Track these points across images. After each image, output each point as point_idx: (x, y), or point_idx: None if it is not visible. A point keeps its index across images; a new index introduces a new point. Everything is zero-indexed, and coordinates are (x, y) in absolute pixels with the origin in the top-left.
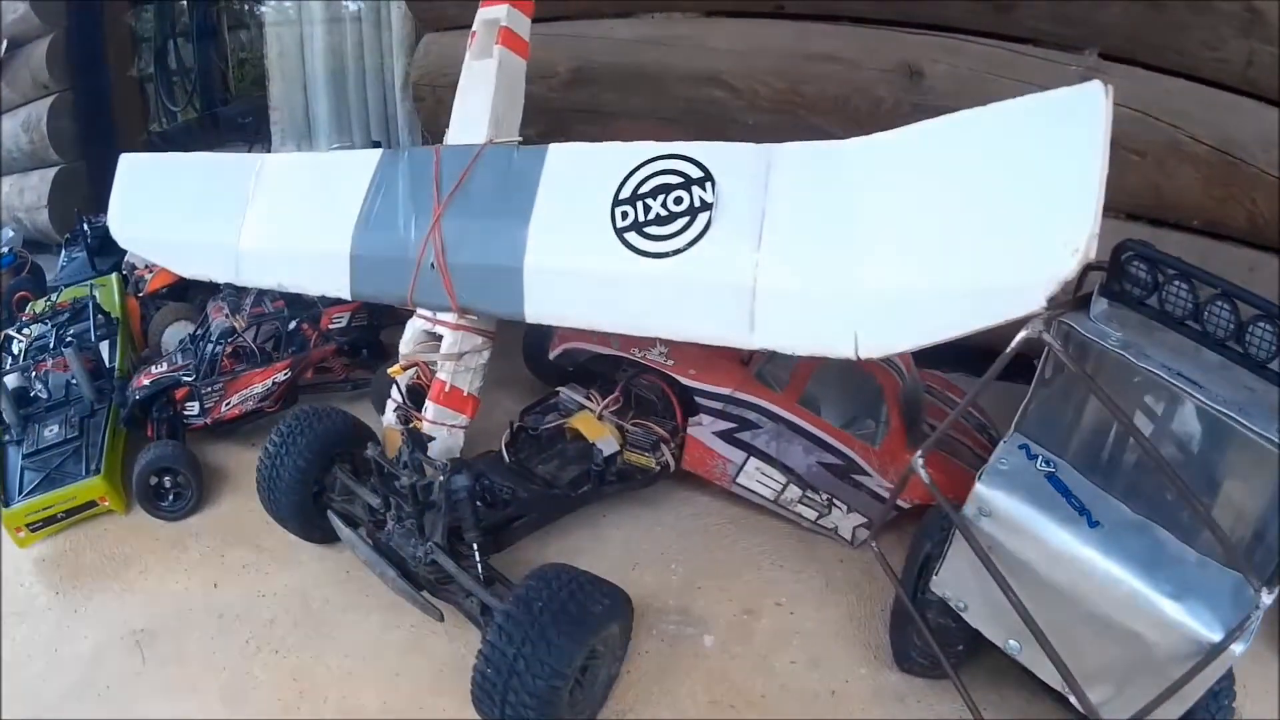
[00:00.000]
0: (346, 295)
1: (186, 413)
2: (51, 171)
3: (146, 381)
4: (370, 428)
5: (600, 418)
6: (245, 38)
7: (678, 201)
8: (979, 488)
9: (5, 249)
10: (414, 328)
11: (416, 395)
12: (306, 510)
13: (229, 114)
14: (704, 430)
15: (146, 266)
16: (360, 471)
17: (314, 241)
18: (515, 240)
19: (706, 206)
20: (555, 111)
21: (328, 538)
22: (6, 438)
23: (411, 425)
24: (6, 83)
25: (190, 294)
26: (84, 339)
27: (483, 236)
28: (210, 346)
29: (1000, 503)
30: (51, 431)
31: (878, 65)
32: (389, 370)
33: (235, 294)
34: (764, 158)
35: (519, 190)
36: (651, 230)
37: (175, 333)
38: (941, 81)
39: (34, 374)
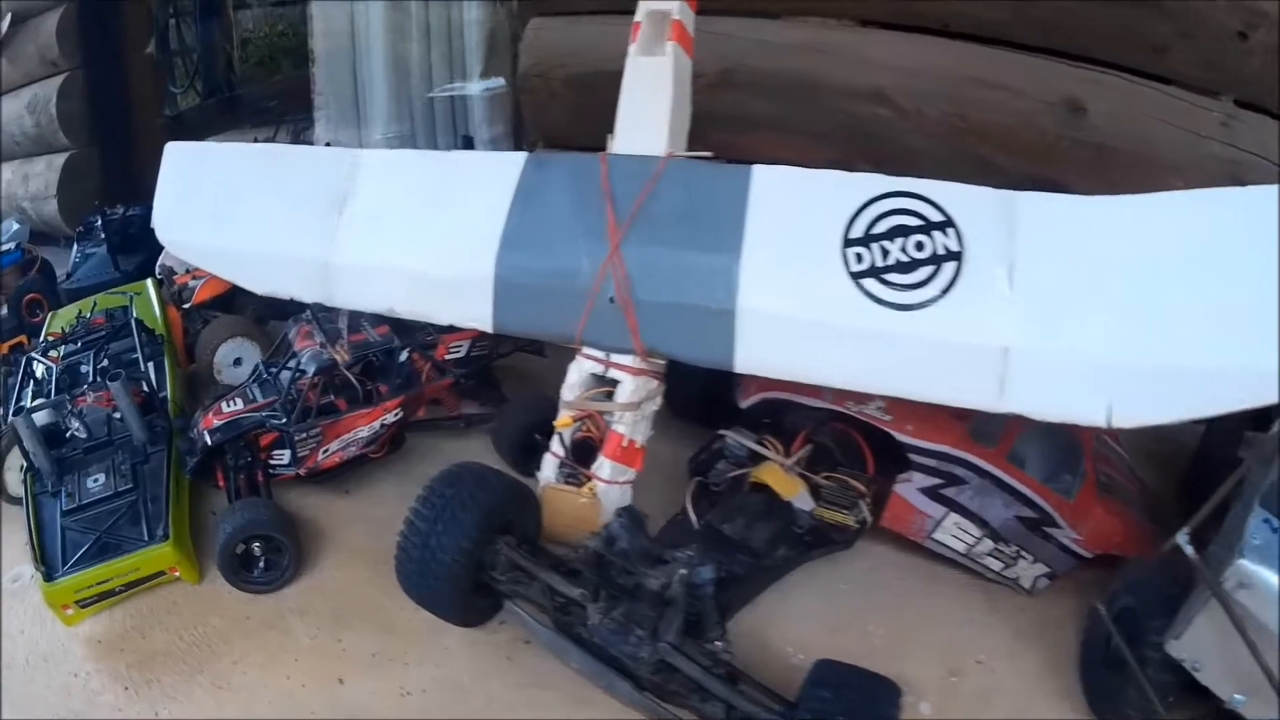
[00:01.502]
0: (485, 326)
1: (274, 462)
2: (61, 157)
3: (218, 422)
4: (529, 487)
5: (786, 470)
6: (249, 17)
7: (919, 247)
8: (1242, 563)
9: (10, 244)
10: (581, 371)
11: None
12: (463, 594)
13: (250, 97)
14: (910, 487)
15: (189, 271)
16: (532, 546)
17: (442, 260)
18: (723, 277)
19: (953, 255)
20: (694, 116)
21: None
22: (39, 488)
23: (587, 486)
24: (9, 59)
25: (240, 304)
26: (127, 364)
27: (677, 269)
28: (291, 377)
29: (1260, 577)
30: (97, 482)
31: (1041, 96)
32: (556, 422)
33: (323, 316)
34: (1008, 205)
35: (721, 217)
36: (893, 278)
37: (229, 352)
38: (1100, 118)
39: (69, 409)
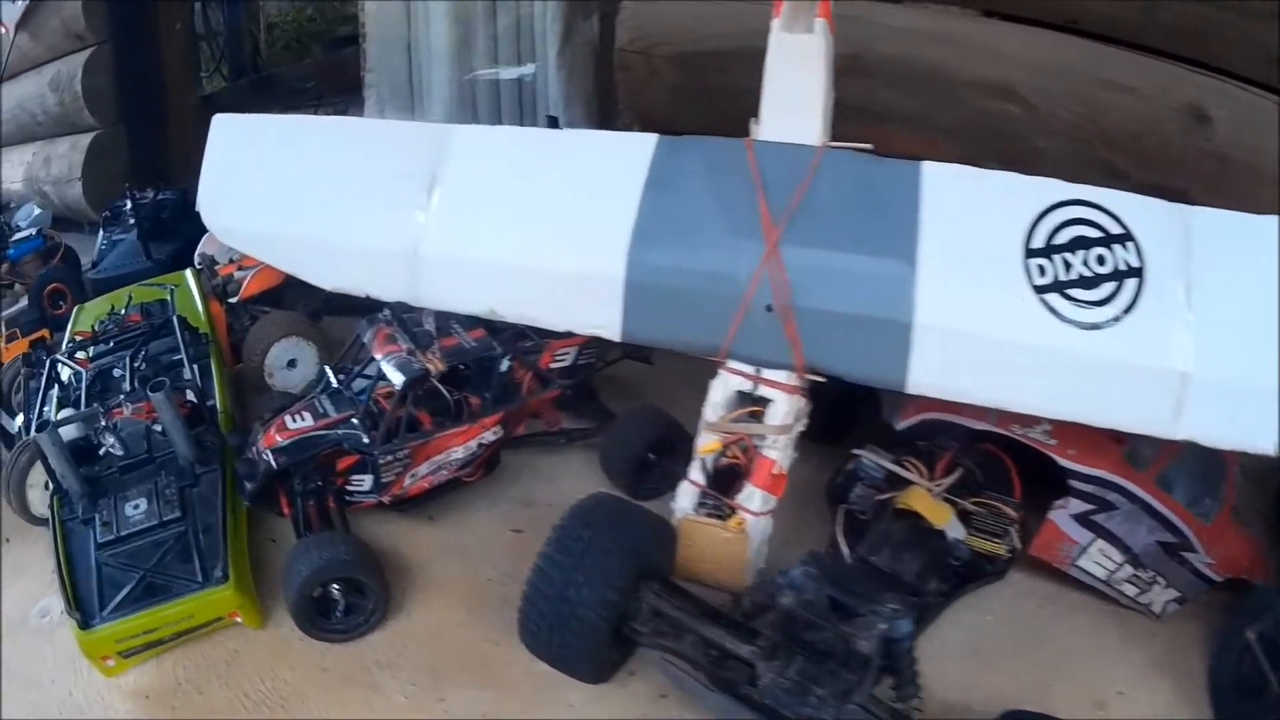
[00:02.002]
0: (611, 334)
1: (351, 488)
2: (86, 138)
3: (283, 440)
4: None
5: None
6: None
7: (1100, 261)
8: None
9: (31, 230)
10: (727, 388)
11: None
12: (602, 649)
13: (286, 77)
14: (1064, 513)
15: (233, 261)
16: (677, 591)
17: (560, 256)
18: (896, 286)
19: (1134, 272)
20: None
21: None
22: (67, 513)
23: (734, 519)
24: (31, 34)
25: (291, 298)
26: (168, 367)
27: (845, 274)
28: (369, 387)
29: None
30: (138, 509)
31: (1167, 103)
32: (700, 447)
33: (408, 317)
34: (1182, 220)
35: (891, 217)
36: (1077, 294)
37: (283, 353)
38: (1223, 128)
39: (103, 422)
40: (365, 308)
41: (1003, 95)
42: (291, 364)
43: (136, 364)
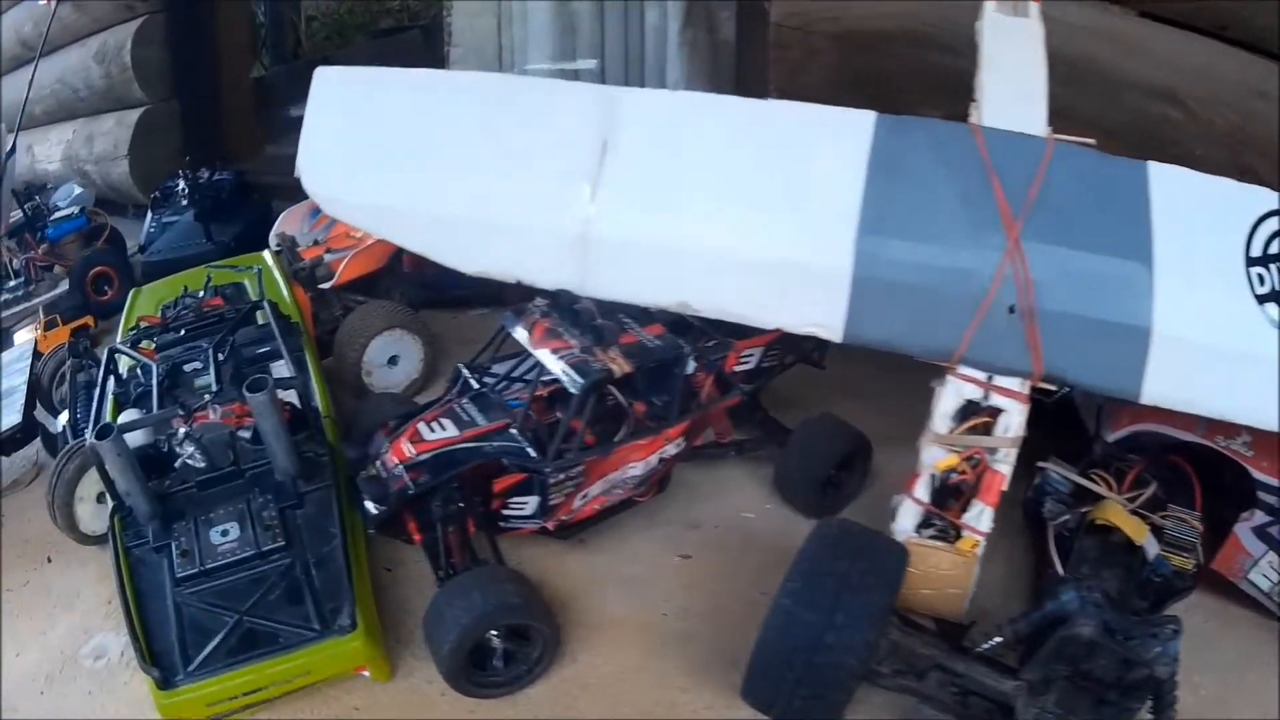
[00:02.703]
0: (831, 334)
1: (510, 512)
2: (134, 114)
3: (419, 454)
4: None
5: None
6: None
7: None
8: None
9: (75, 208)
10: (959, 396)
11: None
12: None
13: (342, 59)
14: (1246, 526)
15: (318, 242)
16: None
17: (773, 243)
18: (1136, 290)
19: None
20: (963, 92)
21: None
22: (131, 537)
23: (964, 541)
24: (76, 4)
25: (385, 285)
26: (250, 361)
27: (1085, 276)
28: (530, 392)
29: None
30: (227, 536)
31: None
32: (934, 463)
33: (572, 309)
34: None
35: (1124, 217)
36: None
37: (384, 348)
38: None
39: (183, 429)
40: (462, 300)
41: (1165, 99)
42: (392, 361)
43: (221, 357)
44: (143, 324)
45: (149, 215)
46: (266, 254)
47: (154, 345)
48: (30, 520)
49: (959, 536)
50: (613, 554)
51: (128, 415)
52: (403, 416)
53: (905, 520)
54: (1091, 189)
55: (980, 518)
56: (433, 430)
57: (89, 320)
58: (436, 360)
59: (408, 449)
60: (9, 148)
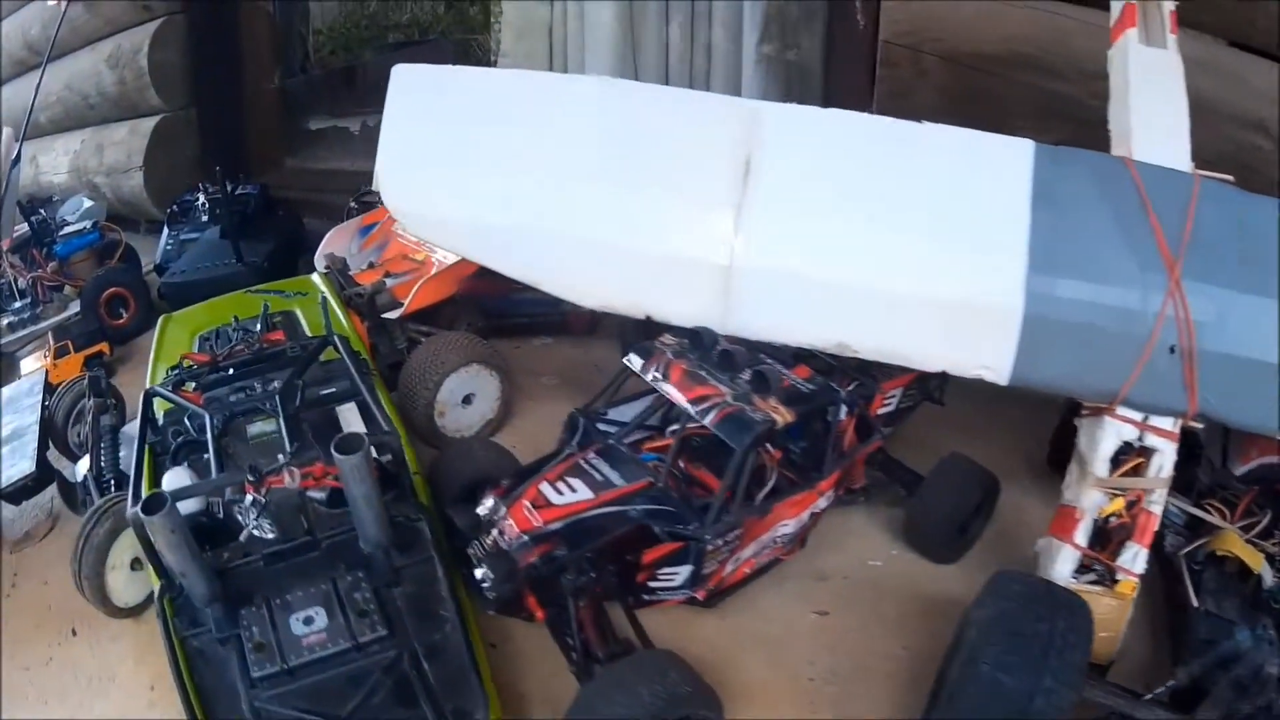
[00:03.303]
0: (999, 377)
1: (658, 583)
2: (149, 122)
3: (548, 524)
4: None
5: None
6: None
7: None
8: None
9: (84, 223)
10: (1118, 438)
11: None
12: None
13: (368, 67)
14: None
15: (374, 265)
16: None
17: (940, 280)
18: (1271, 327)
19: None
20: (1088, 123)
21: None
22: (189, 628)
23: (1123, 584)
24: (87, 5)
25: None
26: (312, 404)
27: (1237, 316)
28: (675, 444)
29: None
30: (312, 625)
31: None
32: (1101, 509)
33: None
34: None
35: (1260, 256)
36: None
37: (459, 387)
38: None
39: (251, 497)
40: (524, 328)
41: (1256, 130)
42: (467, 400)
43: (294, 406)
44: (187, 362)
45: (165, 231)
46: (316, 277)
47: (200, 387)
48: (49, 583)
49: (1114, 580)
50: (745, 615)
51: (176, 477)
52: (517, 475)
53: (1064, 566)
54: (1234, 226)
55: (1135, 560)
56: (560, 492)
57: (104, 347)
58: (512, 397)
59: (533, 516)
60: (14, 156)
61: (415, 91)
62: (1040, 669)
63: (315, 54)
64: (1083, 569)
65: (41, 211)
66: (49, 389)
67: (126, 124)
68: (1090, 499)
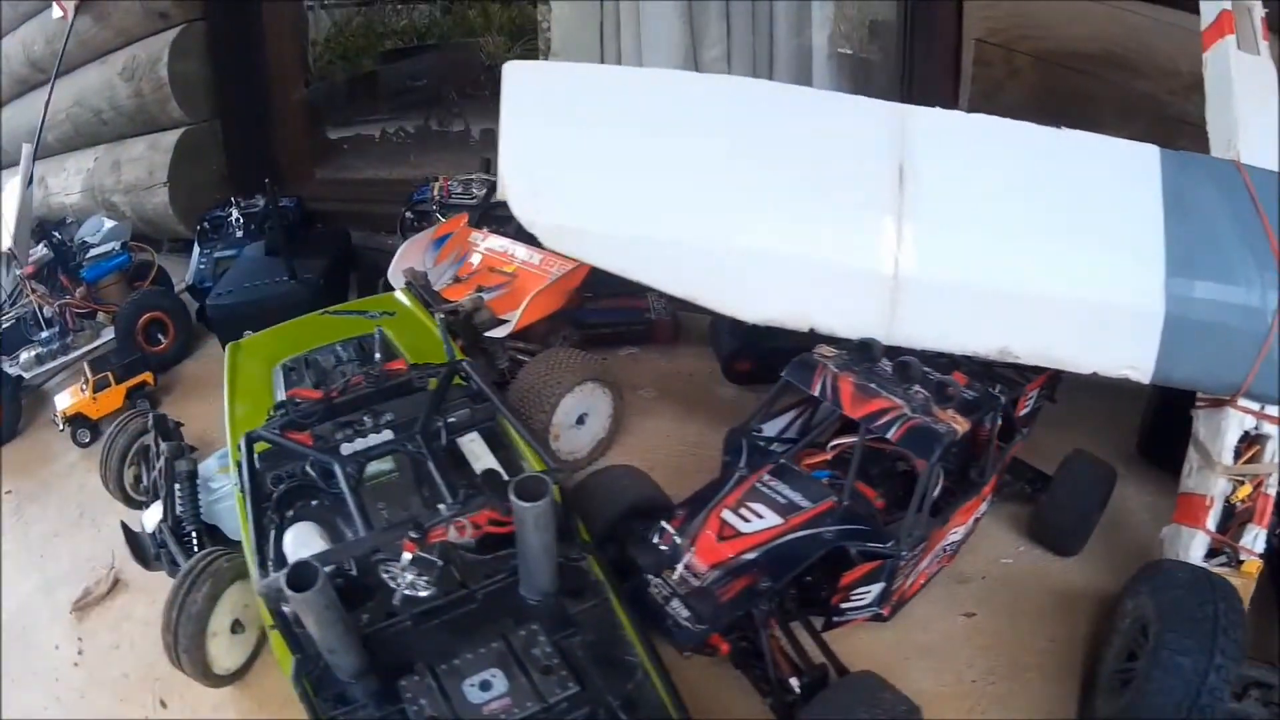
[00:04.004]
0: (1142, 376)
1: (851, 603)
2: (170, 136)
3: (741, 553)
4: None
5: None
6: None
7: None
8: None
9: (114, 244)
10: (1239, 427)
11: None
12: None
13: (392, 74)
14: None
15: (460, 280)
16: None
17: (1092, 284)
18: None
19: None
20: (1165, 120)
21: None
22: (338, 709)
23: (1249, 565)
24: (96, 16)
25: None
26: (433, 437)
27: None
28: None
29: None
30: (494, 690)
31: None
32: (1230, 495)
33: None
34: None
35: None
36: None
37: (574, 407)
38: None
39: (408, 555)
40: (610, 338)
41: None
42: (580, 420)
43: (440, 445)
44: (298, 400)
45: (196, 250)
46: (400, 295)
47: (310, 424)
48: (119, 647)
49: (1239, 561)
50: (899, 625)
51: (303, 537)
52: (690, 504)
53: (1197, 551)
54: None
55: (1256, 541)
56: (746, 519)
57: (148, 377)
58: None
59: (721, 546)
60: (28, 179)
61: (532, 91)
62: (1211, 649)
63: (315, 64)
64: (1211, 553)
65: (55, 234)
66: (82, 423)
67: (144, 139)
68: (1219, 486)
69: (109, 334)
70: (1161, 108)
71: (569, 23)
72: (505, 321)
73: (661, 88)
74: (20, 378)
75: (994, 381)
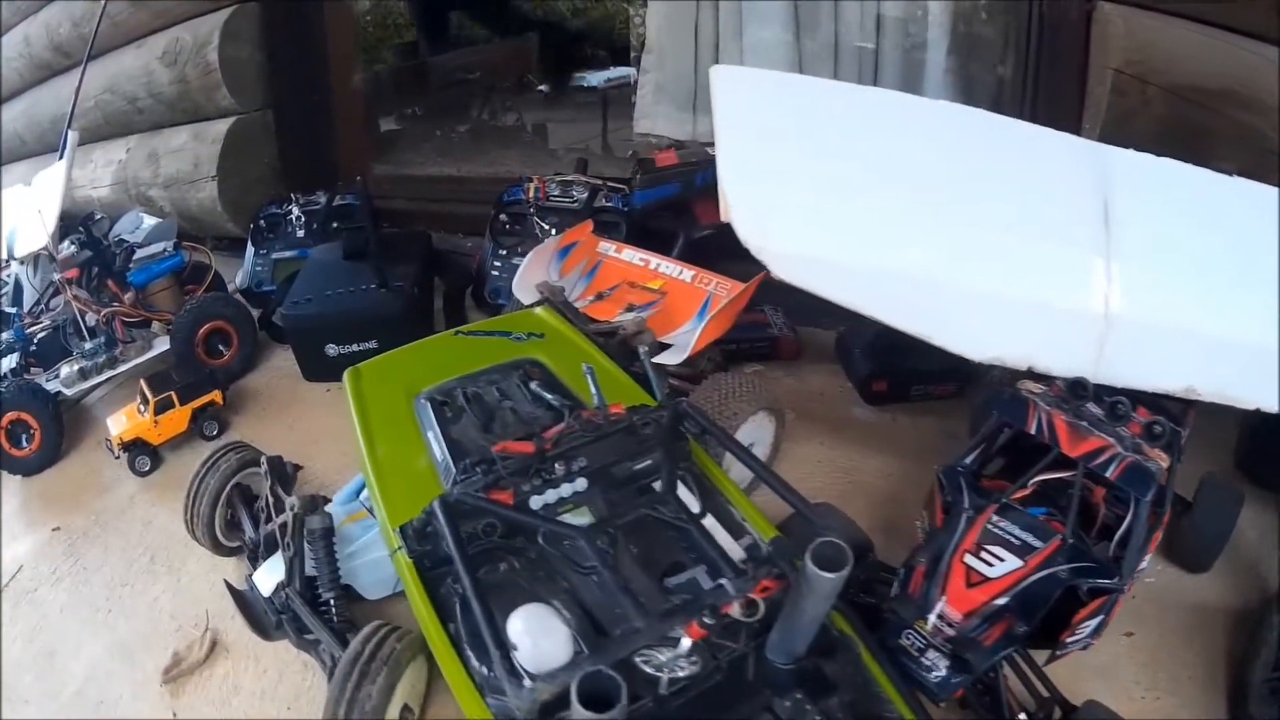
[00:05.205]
0: (1270, 406)
1: (1075, 637)
2: (216, 126)
3: (991, 599)
4: None
5: None
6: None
7: None
8: None
9: (161, 245)
10: None
11: None
12: None
13: (443, 65)
14: None
15: (603, 296)
16: None
17: (1268, 327)
18: None
19: None
20: (1252, 149)
21: None
22: None
23: None
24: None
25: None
26: (641, 491)
27: None
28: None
29: None
30: None
31: None
32: None
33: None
34: None
35: None
36: None
37: (744, 438)
38: None
39: (687, 640)
40: (736, 354)
41: None
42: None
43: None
44: (508, 454)
45: (250, 250)
46: (542, 311)
47: (517, 480)
48: None
49: None
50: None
51: (541, 622)
52: (931, 550)
53: None
54: None
55: None
56: (989, 564)
57: (216, 396)
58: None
59: (973, 593)
60: (64, 179)
61: (745, 100)
62: None
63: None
64: None
65: (82, 230)
66: (141, 449)
67: (187, 129)
68: None
69: (161, 345)
70: (1265, 141)
71: (664, 19)
72: (667, 346)
73: (878, 107)
74: (60, 394)
75: (1161, 413)
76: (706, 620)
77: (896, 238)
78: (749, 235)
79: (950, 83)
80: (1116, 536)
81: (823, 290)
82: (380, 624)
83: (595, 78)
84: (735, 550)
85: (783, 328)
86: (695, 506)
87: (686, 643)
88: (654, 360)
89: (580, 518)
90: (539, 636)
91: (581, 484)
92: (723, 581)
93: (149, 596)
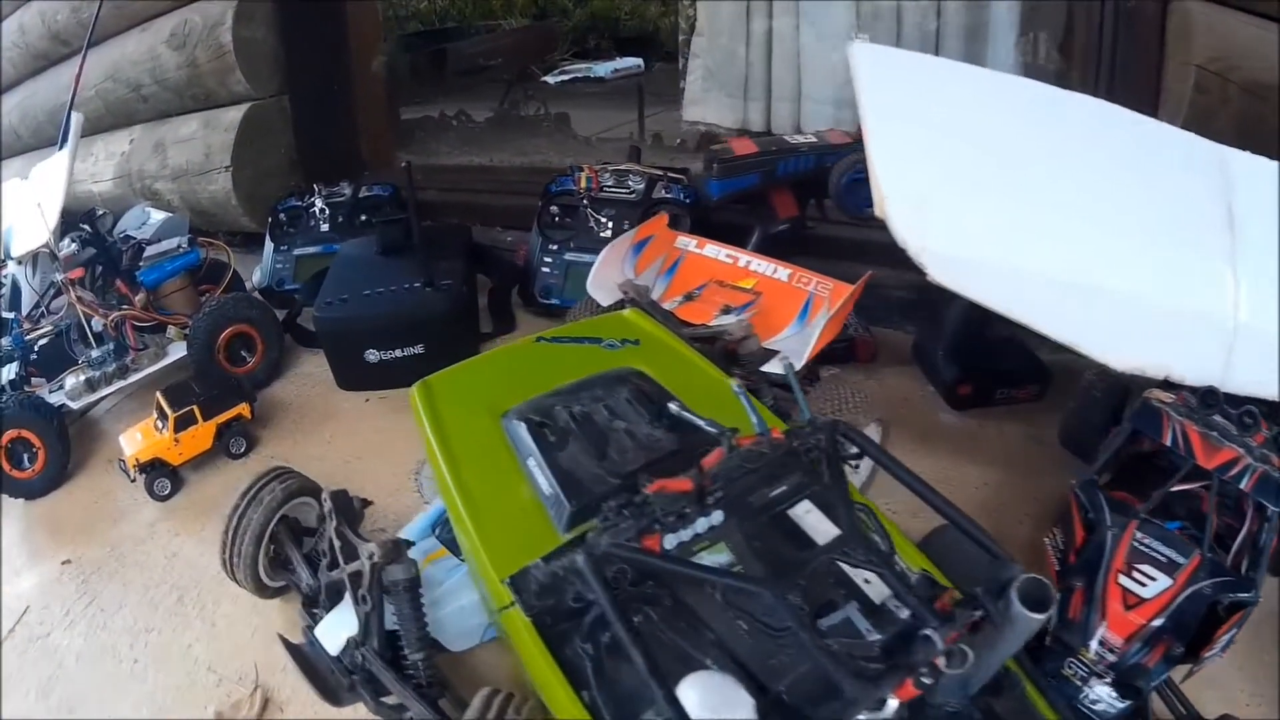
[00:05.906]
0: None
1: (1211, 652)
2: (231, 114)
3: (1146, 620)
4: None
5: None
6: None
7: None
8: None
9: (176, 241)
10: None
11: None
12: None
13: (464, 50)
14: None
15: (693, 297)
16: None
17: None
18: None
19: None
20: None
21: None
22: None
23: None
24: None
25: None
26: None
27: None
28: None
29: None
30: None
31: None
32: None
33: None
34: None
35: None
36: None
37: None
38: None
39: (895, 704)
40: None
41: None
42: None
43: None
44: (664, 491)
45: (269, 246)
46: (630, 313)
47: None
48: None
49: None
50: None
51: (719, 692)
52: (1085, 572)
53: None
54: None
55: None
56: (1142, 584)
57: (244, 409)
58: None
59: (1131, 616)
60: (68, 167)
61: (890, 83)
62: None
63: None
64: None
65: (84, 227)
66: (160, 470)
67: (196, 117)
68: None
69: (176, 351)
70: None
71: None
72: (773, 352)
73: (1017, 96)
74: (65, 408)
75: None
76: (925, 680)
77: (1047, 238)
78: (907, 235)
79: (1021, 66)
80: (1234, 546)
81: (979, 295)
82: (494, 690)
83: (602, 68)
84: (878, 586)
85: (859, 328)
86: (828, 527)
87: (894, 705)
88: (760, 369)
89: (717, 555)
90: (721, 711)
91: (717, 517)
92: (928, 631)
93: (181, 643)
